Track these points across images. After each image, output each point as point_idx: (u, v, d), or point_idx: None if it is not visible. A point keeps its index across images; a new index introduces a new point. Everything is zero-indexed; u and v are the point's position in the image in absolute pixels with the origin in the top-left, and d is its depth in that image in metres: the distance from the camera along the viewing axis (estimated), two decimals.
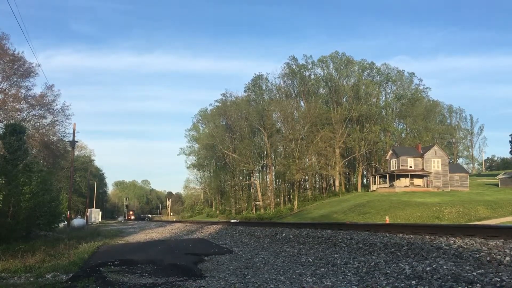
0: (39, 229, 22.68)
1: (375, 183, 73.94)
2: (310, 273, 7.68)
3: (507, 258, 6.48)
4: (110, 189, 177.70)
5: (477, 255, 6.90)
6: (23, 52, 47.21)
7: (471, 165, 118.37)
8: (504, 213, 43.72)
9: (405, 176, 68.39)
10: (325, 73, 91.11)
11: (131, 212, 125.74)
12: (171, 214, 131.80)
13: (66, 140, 48.62)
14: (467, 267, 6.31)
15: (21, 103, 44.67)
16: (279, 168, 78.71)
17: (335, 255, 9.15)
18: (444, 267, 6.51)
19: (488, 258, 6.67)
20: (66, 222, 37.21)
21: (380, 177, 74.62)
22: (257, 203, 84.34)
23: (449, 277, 6.01)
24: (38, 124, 47.71)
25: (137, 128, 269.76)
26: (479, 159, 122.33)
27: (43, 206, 22.04)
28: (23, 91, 45.27)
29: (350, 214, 48.37)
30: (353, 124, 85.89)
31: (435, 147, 72.53)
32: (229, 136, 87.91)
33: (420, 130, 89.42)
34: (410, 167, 69.35)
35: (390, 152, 73.84)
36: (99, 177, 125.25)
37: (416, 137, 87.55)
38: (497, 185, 69.50)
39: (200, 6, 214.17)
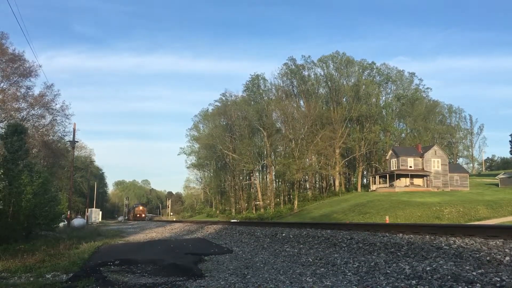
0: (39, 229, 22.67)
1: (375, 183, 73.96)
2: (310, 273, 7.68)
3: (507, 258, 6.48)
4: (110, 189, 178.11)
5: (477, 255, 6.91)
6: (23, 51, 47.08)
7: (471, 165, 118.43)
8: (504, 213, 43.76)
9: (405, 176, 68.43)
10: (325, 73, 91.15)
11: (141, 208, 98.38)
12: (171, 214, 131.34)
13: (66, 139, 48.63)
14: (467, 267, 6.31)
15: (20, 101, 44.65)
16: (279, 168, 78.70)
17: (335, 255, 9.16)
18: (444, 267, 6.51)
19: (488, 258, 6.67)
20: (66, 222, 37.25)
21: (380, 177, 74.64)
22: (257, 203, 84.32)
23: (449, 277, 6.01)
24: (38, 123, 47.70)
25: (137, 128, 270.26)
26: (479, 159, 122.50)
27: (44, 206, 22.04)
28: (23, 90, 45.27)
29: (350, 214, 48.38)
30: (353, 124, 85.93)
31: (435, 147, 72.59)
32: (229, 136, 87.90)
33: (420, 130, 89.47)
34: (410, 167, 69.39)
35: (390, 152, 73.87)
36: (99, 177, 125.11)
37: (416, 137, 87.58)
38: (497, 185, 69.51)
39: (200, 7, 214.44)
